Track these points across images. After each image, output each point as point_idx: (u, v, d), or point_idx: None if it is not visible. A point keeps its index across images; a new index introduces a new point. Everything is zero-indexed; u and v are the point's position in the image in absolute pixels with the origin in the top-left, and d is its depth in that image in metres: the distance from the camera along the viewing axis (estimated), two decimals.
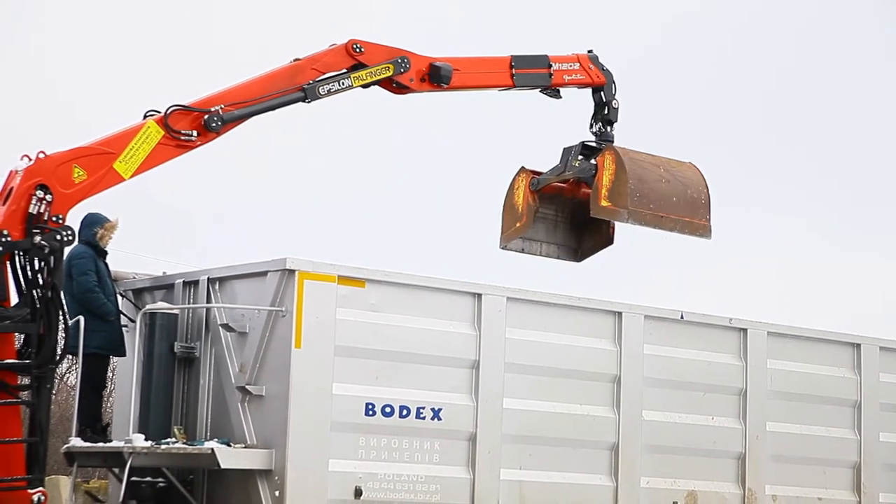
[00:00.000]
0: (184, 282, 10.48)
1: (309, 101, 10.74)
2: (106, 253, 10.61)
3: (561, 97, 12.38)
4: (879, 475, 12.63)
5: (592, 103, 12.33)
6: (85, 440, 10.17)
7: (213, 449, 9.44)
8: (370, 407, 9.84)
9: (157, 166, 10.01)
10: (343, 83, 10.81)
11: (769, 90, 35.97)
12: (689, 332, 11.60)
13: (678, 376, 11.46)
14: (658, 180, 11.80)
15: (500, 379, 10.42)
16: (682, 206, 11.87)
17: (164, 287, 10.73)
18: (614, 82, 12.37)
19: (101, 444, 10.10)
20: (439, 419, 10.12)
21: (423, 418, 10.07)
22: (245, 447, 9.62)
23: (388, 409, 9.92)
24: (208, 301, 10.20)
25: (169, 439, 9.84)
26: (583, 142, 12.15)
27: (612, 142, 12.19)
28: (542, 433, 10.65)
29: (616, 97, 12.33)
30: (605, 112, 12.26)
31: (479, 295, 10.42)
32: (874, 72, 35.49)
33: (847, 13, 35.68)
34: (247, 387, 9.73)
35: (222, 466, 9.45)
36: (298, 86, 10.57)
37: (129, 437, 9.72)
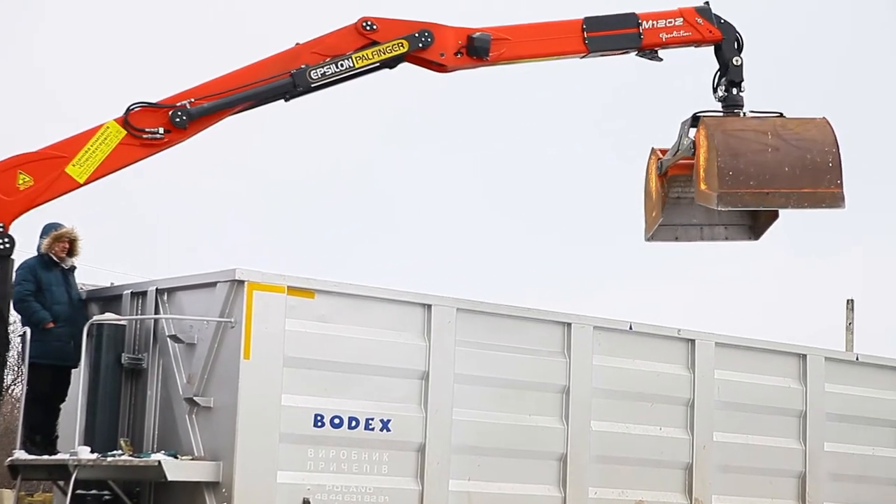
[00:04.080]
0: (132, 293, 10.40)
1: (299, 90, 9.88)
2: (61, 261, 10.38)
3: (661, 59, 11.09)
4: (824, 485, 12.73)
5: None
6: (29, 453, 10.05)
7: (159, 461, 9.37)
8: (319, 418, 9.80)
9: (122, 168, 9.60)
10: (342, 65, 9.94)
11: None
12: (638, 343, 11.64)
13: (627, 387, 11.49)
14: (761, 150, 10.29)
15: (449, 390, 10.41)
16: (800, 176, 10.29)
17: (111, 298, 10.63)
18: (738, 37, 11.00)
19: (45, 457, 9.98)
20: (388, 430, 10.10)
21: (372, 429, 10.04)
22: (192, 459, 9.55)
23: (336, 421, 9.88)
24: (156, 312, 10.11)
25: (115, 451, 9.74)
26: (695, 113, 10.79)
27: (741, 106, 10.83)
28: (491, 444, 10.65)
29: (740, 55, 10.93)
30: (727, 72, 10.90)
31: (429, 306, 10.41)
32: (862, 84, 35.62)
33: (846, 20, 35.78)
34: (194, 398, 9.66)
35: (169, 479, 9.37)
36: (287, 72, 9.81)
37: (74, 450, 9.62)
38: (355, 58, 9.95)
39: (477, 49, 10.28)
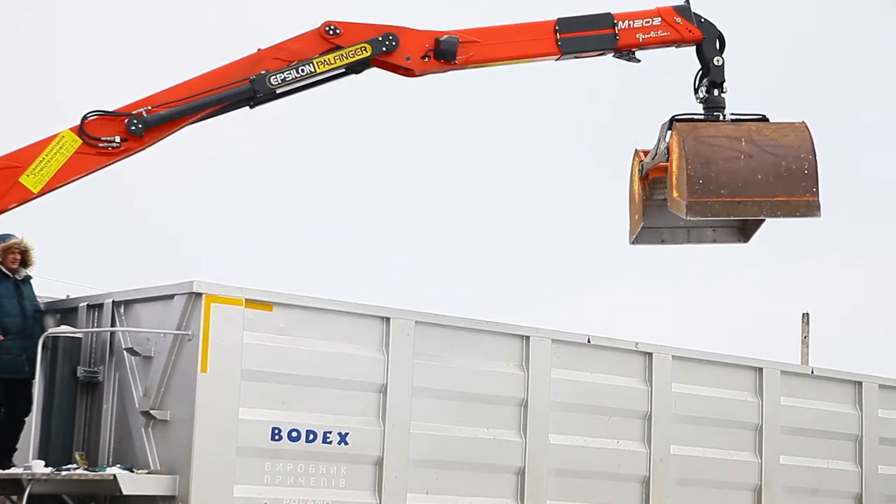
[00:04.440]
0: (88, 305, 10.31)
1: (260, 97, 9.65)
2: (13, 273, 10.25)
3: (639, 60, 10.77)
4: (780, 498, 12.80)
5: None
6: None
7: (115, 475, 9.27)
8: (276, 431, 9.76)
9: (79, 177, 9.41)
10: (303, 70, 9.70)
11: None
12: (596, 356, 11.67)
13: (584, 400, 11.52)
14: (734, 157, 9.94)
15: (407, 403, 10.39)
16: (773, 184, 9.94)
17: (67, 310, 10.54)
18: (719, 37, 10.70)
19: None
20: (346, 444, 10.07)
21: (330, 443, 10.00)
22: (148, 473, 9.47)
23: (294, 434, 9.84)
24: (113, 325, 10.04)
25: (70, 465, 9.64)
26: (672, 116, 10.48)
27: (723, 108, 10.51)
28: (449, 457, 10.63)
29: (721, 55, 10.60)
30: (708, 73, 10.60)
31: (388, 319, 10.39)
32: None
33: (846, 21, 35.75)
34: (151, 411, 9.58)
35: (124, 493, 9.28)
36: (246, 78, 9.58)
37: (28, 464, 9.52)
38: (317, 62, 9.77)
39: (444, 52, 10.06)
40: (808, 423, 13.13)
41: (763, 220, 10.69)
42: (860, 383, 13.65)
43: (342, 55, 9.78)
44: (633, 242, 11.17)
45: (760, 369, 12.82)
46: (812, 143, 10.13)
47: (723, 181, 9.92)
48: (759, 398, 12.76)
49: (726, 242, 11.16)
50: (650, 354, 11.99)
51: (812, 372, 13.56)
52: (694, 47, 10.88)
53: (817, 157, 10.12)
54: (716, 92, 10.63)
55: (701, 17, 10.73)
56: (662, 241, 11.09)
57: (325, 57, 9.75)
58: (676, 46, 10.75)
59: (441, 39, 10.06)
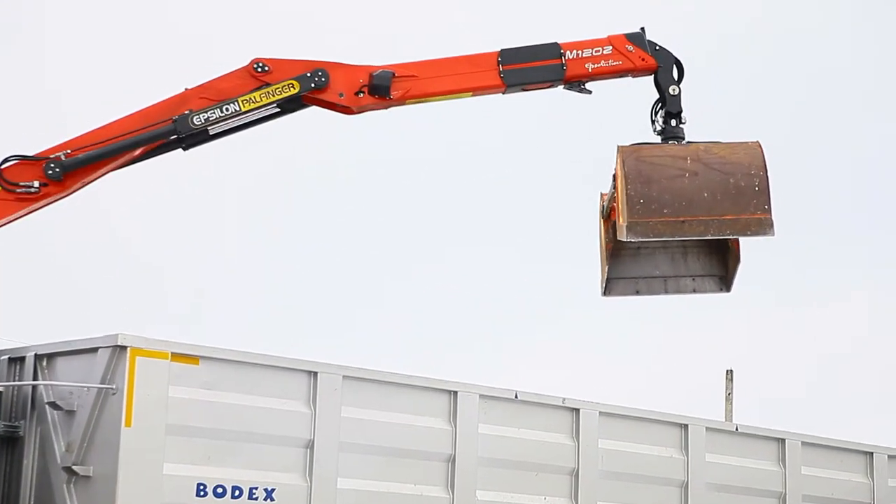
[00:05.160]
0: (9, 358, 10.14)
1: (188, 138, 9.34)
2: None
3: (589, 91, 10.27)
4: None
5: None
6: None
7: None
8: (202, 488, 9.62)
9: (2, 223, 9.17)
10: (228, 109, 9.33)
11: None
12: (523, 412, 11.68)
13: (512, 456, 11.50)
14: (677, 176, 9.46)
15: (334, 459, 10.31)
16: (721, 202, 9.45)
17: None
18: (676, 64, 10.23)
19: None
20: (272, 500, 9.95)
21: (256, 499, 9.88)
22: None
23: (220, 490, 9.71)
24: (35, 378, 9.87)
25: None
26: (619, 147, 9.92)
27: (682, 138, 10.06)
28: None
29: (678, 84, 10.16)
30: (665, 103, 10.16)
31: (315, 373, 10.33)
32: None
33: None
34: (73, 467, 9.41)
35: None
36: (169, 118, 9.29)
37: None
38: (242, 101, 9.43)
39: (377, 87, 9.67)
40: (733, 480, 13.21)
41: (738, 265, 10.28)
42: (783, 440, 13.78)
43: (268, 93, 9.46)
44: (604, 294, 10.62)
45: (686, 426, 12.90)
46: (763, 160, 9.60)
47: (665, 200, 9.46)
48: (684, 454, 12.83)
49: (707, 292, 10.67)
50: (577, 410, 12.01)
51: (736, 429, 13.67)
52: (652, 76, 10.40)
53: (769, 176, 9.59)
54: (673, 122, 10.20)
55: (656, 44, 10.26)
56: (637, 293, 10.61)
57: (251, 95, 9.43)
58: (632, 76, 10.31)
59: (374, 74, 9.69)
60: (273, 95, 9.46)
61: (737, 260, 10.30)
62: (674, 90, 10.16)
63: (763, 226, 9.45)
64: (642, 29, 10.26)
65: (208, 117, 9.38)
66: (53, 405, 9.69)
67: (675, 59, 10.29)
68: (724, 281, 10.59)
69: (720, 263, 10.56)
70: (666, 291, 10.64)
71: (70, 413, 9.60)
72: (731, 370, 26.97)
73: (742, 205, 9.46)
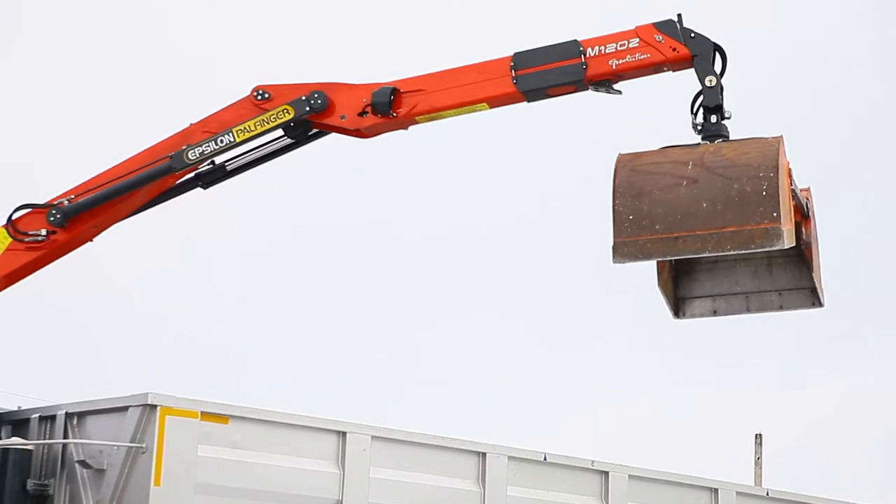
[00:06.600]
0: (40, 417, 10.18)
1: (201, 177, 9.05)
2: None
3: (619, 92, 9.13)
4: None
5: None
6: None
7: None
8: None
9: (23, 276, 8.96)
10: (222, 141, 8.87)
11: None
12: (553, 474, 11.61)
13: None
14: (674, 185, 8.26)
15: None
16: (722, 212, 8.14)
17: (18, 421, 10.39)
18: (717, 52, 8.89)
19: None
20: None
21: None
22: None
23: None
24: (65, 437, 9.90)
25: None
26: (619, 155, 8.81)
27: (725, 136, 8.75)
28: None
29: (715, 74, 8.82)
30: (702, 96, 8.88)
31: (344, 433, 10.31)
32: None
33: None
34: None
35: None
36: (165, 155, 8.93)
37: None
38: (236, 131, 8.91)
39: (377, 105, 8.88)
40: None
41: (815, 272, 9.01)
42: None
43: (263, 121, 8.92)
44: (677, 316, 9.46)
45: (716, 490, 12.78)
46: (776, 158, 8.16)
47: (657, 215, 8.23)
48: None
49: (796, 308, 9.33)
50: (606, 473, 11.94)
51: (767, 493, 13.54)
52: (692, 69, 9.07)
53: (783, 177, 8.19)
54: (713, 118, 8.86)
55: (692, 31, 8.94)
56: (715, 312, 9.42)
57: (246, 124, 8.91)
58: (670, 70, 9.05)
59: (374, 92, 8.93)
60: (268, 123, 8.96)
61: (811, 268, 9.05)
62: (710, 81, 8.82)
63: (770, 237, 8.02)
64: (679, 16, 8.98)
65: (203, 151, 8.99)
66: (83, 464, 9.70)
67: (716, 45, 8.95)
68: (816, 294, 9.22)
69: (808, 274, 9.19)
70: (748, 310, 9.43)
71: (100, 472, 9.60)
72: (761, 434, 26.75)
73: (746, 214, 8.11)
